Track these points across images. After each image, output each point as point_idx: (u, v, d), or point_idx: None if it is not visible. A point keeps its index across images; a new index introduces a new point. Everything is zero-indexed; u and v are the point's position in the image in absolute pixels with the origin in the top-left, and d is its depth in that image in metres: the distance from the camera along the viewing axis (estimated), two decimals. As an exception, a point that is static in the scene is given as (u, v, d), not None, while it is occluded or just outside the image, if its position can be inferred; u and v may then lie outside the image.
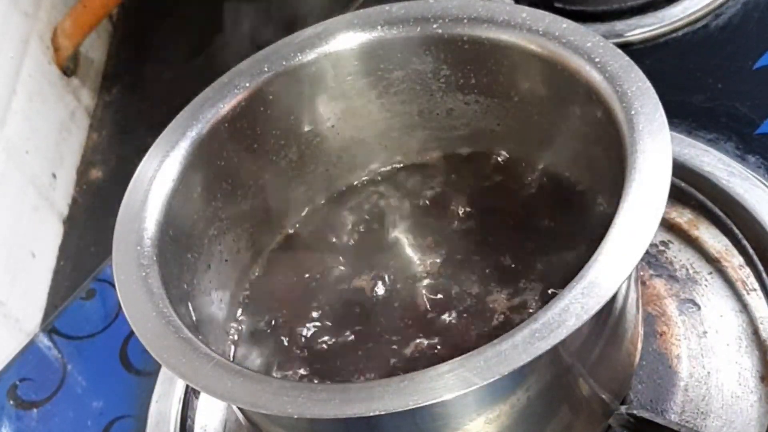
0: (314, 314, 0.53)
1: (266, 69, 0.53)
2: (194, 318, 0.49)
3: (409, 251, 0.55)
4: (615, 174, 0.44)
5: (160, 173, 0.50)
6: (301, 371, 0.51)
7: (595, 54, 0.48)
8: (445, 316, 0.51)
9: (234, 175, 0.53)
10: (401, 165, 0.58)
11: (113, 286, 0.46)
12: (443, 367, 0.39)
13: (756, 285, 0.56)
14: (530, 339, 0.39)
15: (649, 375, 0.54)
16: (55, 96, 0.86)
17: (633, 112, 0.45)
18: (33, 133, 0.81)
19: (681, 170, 0.59)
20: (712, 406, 0.52)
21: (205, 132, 0.52)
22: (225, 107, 0.52)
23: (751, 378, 0.53)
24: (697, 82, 0.66)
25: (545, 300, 0.48)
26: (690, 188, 0.59)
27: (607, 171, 0.47)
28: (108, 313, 0.67)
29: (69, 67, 0.90)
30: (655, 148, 0.43)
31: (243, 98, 0.53)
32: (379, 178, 0.58)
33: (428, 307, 0.52)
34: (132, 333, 0.44)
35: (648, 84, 0.46)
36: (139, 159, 0.51)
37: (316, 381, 0.50)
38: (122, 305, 0.45)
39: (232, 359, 0.52)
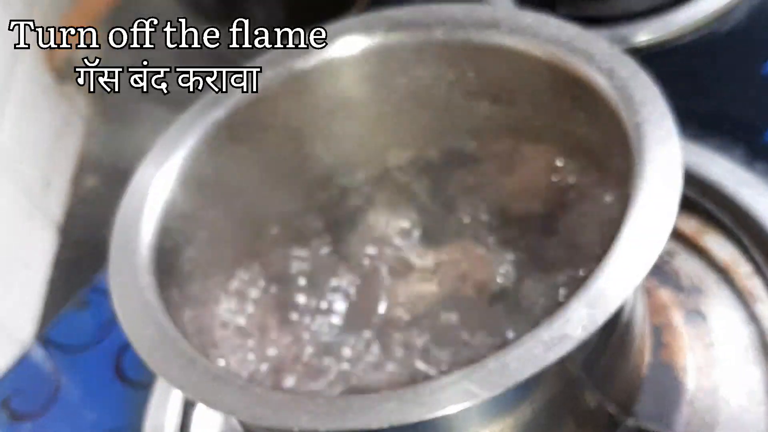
0: (314, 315, 0.52)
1: (266, 71, 0.53)
2: (192, 327, 0.48)
3: (410, 252, 0.54)
4: (623, 182, 0.44)
5: (157, 179, 0.49)
6: (301, 376, 0.50)
7: (601, 60, 0.47)
8: (448, 318, 0.51)
9: (232, 177, 0.53)
10: (403, 168, 0.57)
11: (108, 295, 0.45)
12: (446, 379, 0.39)
13: (764, 295, 0.55)
14: (536, 350, 0.38)
15: (655, 387, 0.53)
16: (49, 102, 0.86)
17: (640, 120, 0.44)
18: (26, 139, 0.80)
19: (687, 178, 0.58)
20: (719, 418, 0.52)
21: (203, 135, 0.52)
22: (224, 110, 0.52)
23: (759, 389, 0.52)
24: (704, 88, 0.66)
25: (548, 307, 0.48)
26: (696, 196, 0.58)
27: (614, 179, 0.46)
28: (103, 323, 0.67)
29: (63, 72, 0.89)
30: (665, 156, 0.43)
31: (242, 101, 0.53)
32: (381, 180, 0.57)
33: (430, 308, 0.51)
34: (127, 344, 0.43)
35: (656, 91, 0.45)
36: (136, 165, 0.50)
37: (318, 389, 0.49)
38: (117, 315, 0.44)
39: (230, 369, 0.51)
